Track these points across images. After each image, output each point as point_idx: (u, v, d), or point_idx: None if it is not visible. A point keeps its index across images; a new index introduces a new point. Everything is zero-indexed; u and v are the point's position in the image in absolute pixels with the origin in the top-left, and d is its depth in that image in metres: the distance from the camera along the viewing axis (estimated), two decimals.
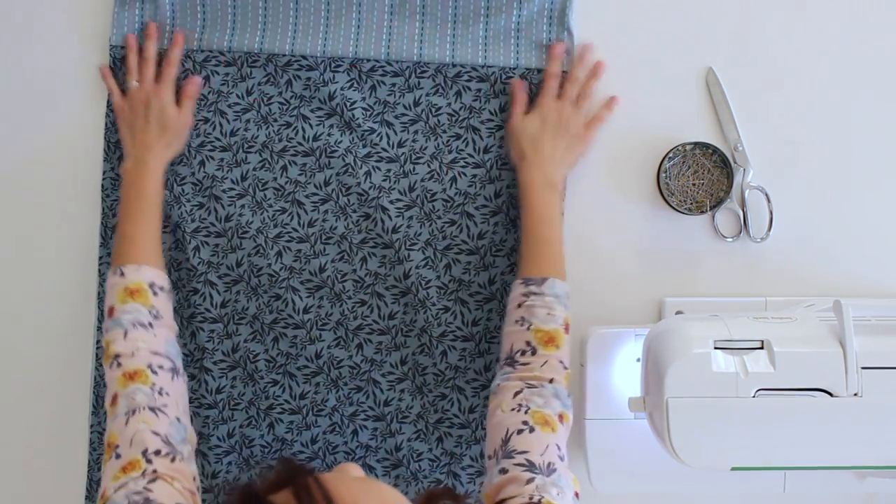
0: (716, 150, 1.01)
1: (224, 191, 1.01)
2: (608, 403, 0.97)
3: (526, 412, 0.85)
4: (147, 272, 0.92)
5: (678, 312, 1.00)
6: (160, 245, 0.96)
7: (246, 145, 1.01)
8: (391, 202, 1.00)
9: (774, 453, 0.83)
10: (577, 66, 1.00)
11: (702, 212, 1.01)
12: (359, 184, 1.00)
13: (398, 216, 1.00)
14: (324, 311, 1.00)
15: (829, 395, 0.81)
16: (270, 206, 1.01)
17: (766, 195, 1.01)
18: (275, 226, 1.01)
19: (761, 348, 0.83)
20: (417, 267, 1.00)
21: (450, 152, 1.00)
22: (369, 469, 1.01)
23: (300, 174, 1.01)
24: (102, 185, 1.01)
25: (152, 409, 0.84)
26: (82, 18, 1.02)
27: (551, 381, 0.87)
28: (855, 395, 0.81)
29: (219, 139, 1.01)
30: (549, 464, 0.81)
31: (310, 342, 1.01)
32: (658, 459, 0.91)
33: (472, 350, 1.00)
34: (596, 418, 0.97)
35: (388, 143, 1.01)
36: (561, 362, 0.89)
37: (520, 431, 0.83)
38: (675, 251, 1.02)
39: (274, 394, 1.01)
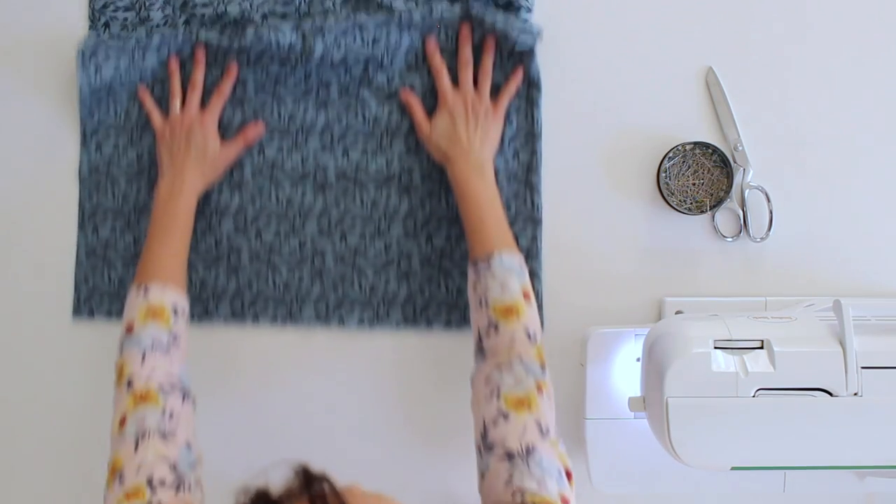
0: (716, 149, 1.01)
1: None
2: (608, 403, 0.97)
3: (498, 398, 0.83)
4: (171, 293, 0.91)
5: (678, 312, 1.00)
6: (185, 268, 0.96)
7: None
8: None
9: (774, 453, 0.83)
10: (463, 47, 1.00)
11: (702, 212, 1.01)
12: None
13: None
14: (308, 116, 1.03)
15: (829, 395, 0.81)
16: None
17: (766, 195, 1.01)
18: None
19: (761, 348, 0.83)
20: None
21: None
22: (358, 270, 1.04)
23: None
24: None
25: (162, 435, 0.82)
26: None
27: (520, 357, 0.86)
28: (855, 394, 0.81)
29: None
30: (527, 447, 0.79)
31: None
32: (658, 459, 0.91)
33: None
34: (596, 418, 0.97)
35: None
36: (527, 333, 0.87)
37: (495, 422, 0.82)
38: (675, 251, 1.02)
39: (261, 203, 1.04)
